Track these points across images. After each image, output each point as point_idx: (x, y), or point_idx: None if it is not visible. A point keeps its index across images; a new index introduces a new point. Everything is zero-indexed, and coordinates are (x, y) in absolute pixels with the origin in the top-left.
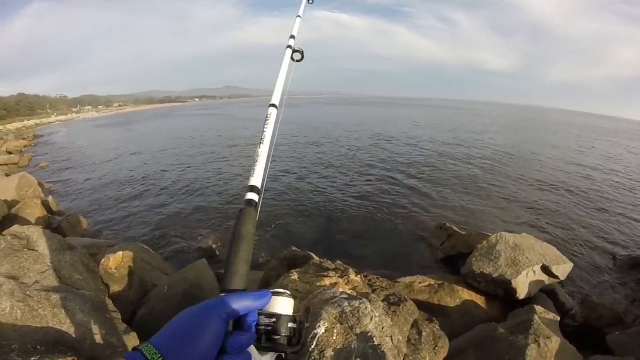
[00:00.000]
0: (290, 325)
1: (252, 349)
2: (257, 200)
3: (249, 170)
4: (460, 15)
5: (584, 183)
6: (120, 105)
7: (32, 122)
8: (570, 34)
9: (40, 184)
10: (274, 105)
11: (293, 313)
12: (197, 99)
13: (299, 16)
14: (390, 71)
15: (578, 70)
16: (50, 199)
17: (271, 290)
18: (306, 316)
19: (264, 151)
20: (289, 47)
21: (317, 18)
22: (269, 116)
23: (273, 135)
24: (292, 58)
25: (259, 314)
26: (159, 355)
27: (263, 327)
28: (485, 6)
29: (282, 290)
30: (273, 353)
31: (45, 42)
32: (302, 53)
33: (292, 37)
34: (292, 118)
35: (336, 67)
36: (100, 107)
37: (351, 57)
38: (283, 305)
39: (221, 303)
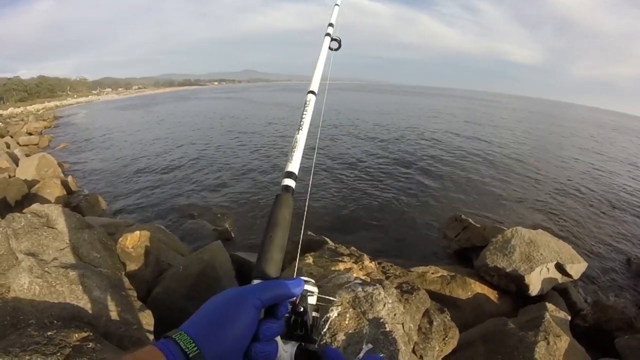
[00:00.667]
0: (314, 314)
1: (277, 338)
2: (293, 187)
3: (265, 157)
4: (485, 3)
5: (602, 183)
6: (139, 88)
7: (52, 104)
8: (598, 29)
9: (59, 164)
10: (312, 92)
11: (316, 302)
12: (216, 82)
13: (337, 4)
14: (412, 59)
15: (605, 67)
16: (69, 178)
17: (300, 278)
18: (326, 307)
19: (302, 137)
20: (327, 34)
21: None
22: (307, 102)
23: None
24: (330, 47)
25: None
26: (193, 343)
27: (289, 315)
28: None
29: (307, 278)
30: (294, 342)
31: (66, 24)
32: (339, 42)
33: (331, 24)
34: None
35: (356, 54)
36: (120, 89)
37: (372, 44)
38: (309, 293)
39: (257, 290)
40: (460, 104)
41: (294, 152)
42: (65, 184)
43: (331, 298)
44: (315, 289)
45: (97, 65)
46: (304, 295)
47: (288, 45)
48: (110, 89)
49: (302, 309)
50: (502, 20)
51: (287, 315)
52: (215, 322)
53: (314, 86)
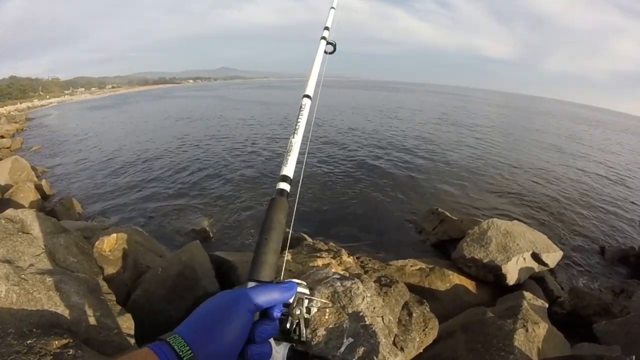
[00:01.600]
0: (306, 316)
1: (270, 339)
2: (288, 190)
3: (241, 155)
4: None
5: (576, 173)
6: (113, 87)
7: (24, 105)
8: (571, 24)
9: (33, 168)
10: (307, 96)
11: (308, 305)
12: (192, 80)
13: (332, 7)
14: (389, 54)
15: (578, 62)
16: (43, 182)
17: (292, 280)
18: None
19: (297, 141)
20: (323, 37)
21: None
22: (303, 106)
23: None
24: (325, 51)
25: None
26: (188, 347)
27: (281, 317)
28: None
29: (300, 281)
30: (287, 343)
31: (37, 22)
32: (334, 45)
33: (326, 28)
34: (284, 99)
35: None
36: (93, 88)
37: (349, 40)
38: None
39: (250, 294)
40: (435, 99)
41: (289, 156)
42: (39, 188)
43: (324, 300)
44: (307, 291)
45: (70, 64)
46: (300, 298)
47: (264, 42)
48: (83, 89)
49: (295, 312)
50: (477, 15)
51: (281, 317)
52: (210, 325)
53: (310, 90)
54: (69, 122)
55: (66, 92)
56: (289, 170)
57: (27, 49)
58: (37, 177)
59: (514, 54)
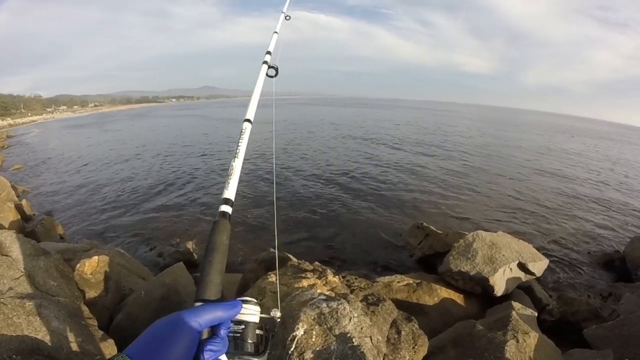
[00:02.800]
0: (258, 332)
1: (223, 357)
2: (230, 212)
3: (224, 178)
4: (438, 17)
5: (556, 182)
6: (96, 105)
7: (5, 123)
8: (547, 38)
9: (13, 187)
10: (248, 120)
11: (260, 320)
12: (175, 99)
13: (275, 32)
14: (370, 72)
15: (556, 73)
16: (24, 202)
17: (239, 299)
18: (272, 324)
19: (238, 165)
20: (265, 62)
21: (295, 18)
22: (243, 131)
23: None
24: (267, 74)
25: None
26: None
27: (232, 334)
28: (463, 9)
29: (248, 298)
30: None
31: (20, 40)
32: (276, 69)
33: (268, 52)
34: (266, 117)
35: (315, 68)
36: (76, 107)
37: (331, 58)
38: (250, 312)
39: (194, 313)
40: (415, 114)
41: (230, 179)
42: (19, 208)
43: (272, 315)
44: (256, 308)
45: (53, 82)
46: (242, 313)
47: (247, 61)
48: (65, 107)
49: (242, 327)
50: (455, 32)
51: (232, 334)
52: (155, 344)
53: (250, 114)
54: (50, 140)
55: (48, 109)
56: (230, 193)
57: (9, 65)
58: (18, 196)
59: (492, 69)
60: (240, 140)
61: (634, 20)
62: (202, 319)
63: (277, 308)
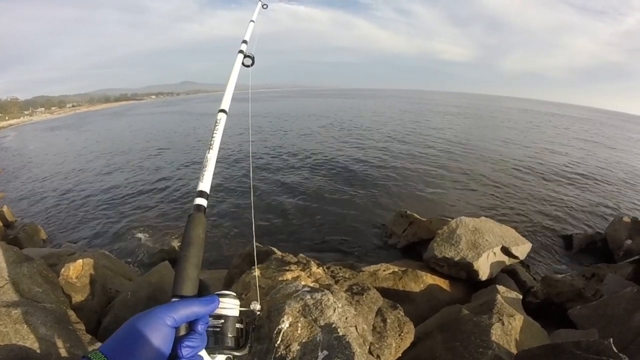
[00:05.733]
0: (238, 326)
1: (203, 352)
2: (205, 205)
3: (216, 171)
4: (417, 6)
5: (536, 166)
6: (74, 106)
7: None
8: (525, 24)
9: None
10: (223, 111)
11: (239, 314)
12: (154, 96)
13: (252, 21)
14: (352, 62)
15: (534, 60)
16: (5, 208)
17: (217, 293)
18: (253, 317)
19: (212, 156)
20: (241, 51)
21: (274, 10)
22: (218, 121)
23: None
24: (243, 63)
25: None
26: None
27: (211, 329)
28: None
29: (226, 292)
30: (222, 355)
31: None
32: (252, 58)
33: (245, 42)
34: (244, 110)
35: (296, 60)
36: (54, 108)
37: (310, 50)
38: (229, 306)
39: (168, 309)
40: (398, 103)
41: (204, 171)
42: (1, 215)
43: (251, 308)
44: (235, 302)
45: (29, 83)
46: (221, 307)
47: (226, 54)
48: (43, 109)
49: (221, 322)
50: (435, 20)
51: (212, 329)
52: (129, 341)
53: (225, 104)
54: (29, 144)
55: (25, 112)
56: (205, 185)
57: None
58: None
59: (471, 56)
60: (215, 131)
61: (611, 7)
62: (177, 314)
63: (257, 301)
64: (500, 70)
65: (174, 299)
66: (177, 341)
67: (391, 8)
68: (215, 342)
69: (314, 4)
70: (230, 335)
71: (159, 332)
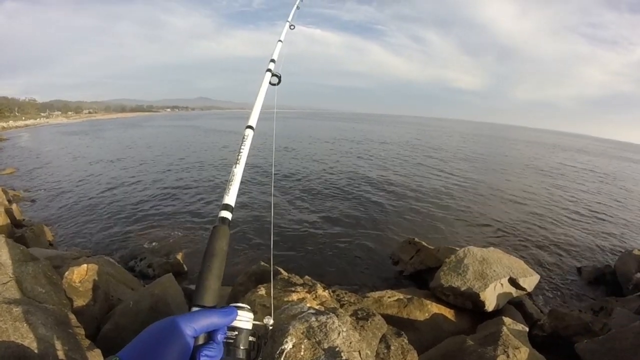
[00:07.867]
0: (251, 339)
1: None
2: (230, 218)
3: (218, 186)
4: (431, 34)
5: (544, 196)
6: (90, 112)
7: None
8: (537, 54)
9: (4, 191)
10: (250, 127)
11: (252, 327)
12: (169, 109)
13: (280, 40)
14: (363, 87)
15: (545, 89)
16: (14, 207)
17: (233, 305)
18: (265, 331)
19: (239, 171)
20: (269, 70)
21: (293, 33)
22: (245, 137)
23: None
24: (270, 82)
25: None
26: None
27: (225, 340)
28: (455, 26)
29: (242, 305)
30: None
31: (16, 43)
32: (279, 77)
33: (272, 60)
34: (258, 129)
35: (308, 82)
36: (70, 112)
37: (324, 73)
38: (244, 319)
39: (190, 319)
40: (408, 130)
41: (231, 185)
42: (9, 213)
43: (265, 322)
44: (250, 315)
45: (47, 87)
46: (236, 319)
47: (240, 73)
48: (59, 112)
49: (235, 333)
50: (447, 49)
51: (225, 340)
52: (148, 348)
53: (253, 121)
54: (44, 145)
55: (42, 114)
56: (230, 199)
57: (3, 69)
58: (9, 200)
59: (484, 85)
60: (242, 147)
61: (622, 37)
62: (198, 324)
63: (271, 315)
64: (511, 99)
65: (194, 308)
66: (196, 350)
67: (405, 35)
68: (227, 353)
69: (330, 28)
70: (242, 348)
71: (179, 341)
